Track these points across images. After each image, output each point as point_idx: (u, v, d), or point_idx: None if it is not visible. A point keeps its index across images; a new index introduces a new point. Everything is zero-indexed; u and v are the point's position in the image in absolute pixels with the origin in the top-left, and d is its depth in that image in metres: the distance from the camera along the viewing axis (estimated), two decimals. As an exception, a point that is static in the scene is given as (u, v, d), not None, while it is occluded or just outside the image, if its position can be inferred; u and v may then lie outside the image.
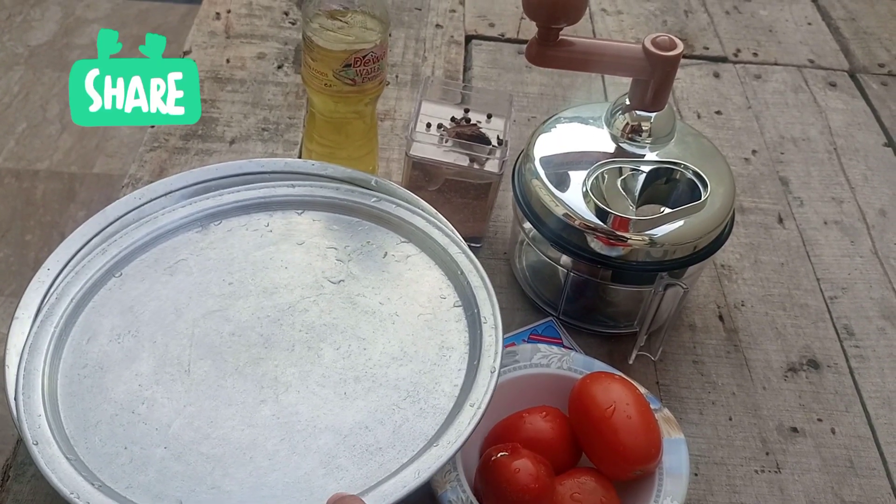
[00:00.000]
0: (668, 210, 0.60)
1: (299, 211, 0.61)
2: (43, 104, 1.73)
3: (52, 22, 1.94)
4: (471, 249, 0.60)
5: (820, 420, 0.62)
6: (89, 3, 2.01)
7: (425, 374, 0.52)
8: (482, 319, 0.54)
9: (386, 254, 0.59)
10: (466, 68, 0.91)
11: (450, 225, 0.61)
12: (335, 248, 0.59)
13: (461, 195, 0.69)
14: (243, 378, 0.52)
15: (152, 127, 0.80)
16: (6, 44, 1.87)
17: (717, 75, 0.94)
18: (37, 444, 0.47)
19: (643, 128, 0.62)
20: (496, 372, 0.50)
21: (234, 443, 0.49)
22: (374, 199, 0.61)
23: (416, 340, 0.54)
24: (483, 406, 0.49)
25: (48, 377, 0.51)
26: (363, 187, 0.63)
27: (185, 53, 0.88)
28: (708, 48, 0.97)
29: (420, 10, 0.97)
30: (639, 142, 0.62)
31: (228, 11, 0.94)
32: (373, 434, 0.49)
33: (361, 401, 0.51)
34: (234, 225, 0.60)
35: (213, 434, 0.49)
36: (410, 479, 0.46)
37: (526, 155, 0.64)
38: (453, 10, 0.98)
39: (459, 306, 0.56)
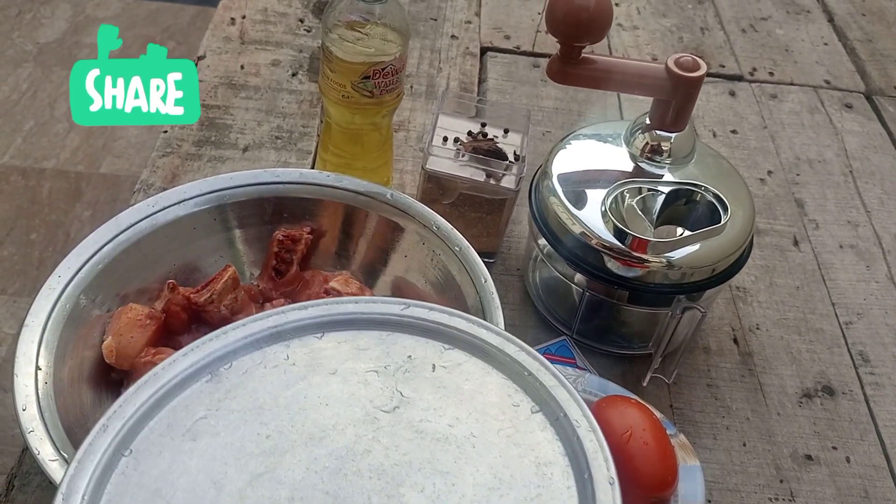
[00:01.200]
0: (687, 232, 0.59)
1: (318, 335, 0.52)
2: (51, 102, 1.72)
3: (62, 20, 1.94)
4: (484, 265, 0.60)
5: (835, 448, 0.62)
6: (99, 2, 2.01)
7: (533, 501, 0.44)
8: (574, 423, 0.46)
9: (434, 366, 0.50)
10: (481, 80, 0.91)
11: (499, 323, 0.56)
12: (375, 371, 0.50)
13: (475, 209, 0.68)
14: None
15: (165, 132, 0.79)
16: (15, 41, 1.87)
17: (732, 94, 0.93)
18: None
19: (663, 148, 0.61)
20: (616, 483, 0.43)
21: None
22: (402, 307, 0.53)
23: (507, 462, 0.45)
24: None
25: None
26: (391, 303, 0.53)
27: (200, 58, 0.88)
28: (724, 66, 0.97)
29: (435, 20, 0.97)
30: (658, 161, 0.62)
31: (244, 17, 0.93)
32: None
33: None
34: (247, 365, 0.50)
35: None
36: None
37: (544, 171, 0.63)
38: (469, 22, 0.98)
39: (538, 412, 0.47)
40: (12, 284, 1.38)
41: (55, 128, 1.67)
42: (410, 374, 0.50)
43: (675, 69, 0.58)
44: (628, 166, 0.62)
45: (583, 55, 0.58)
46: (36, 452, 0.47)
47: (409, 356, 0.51)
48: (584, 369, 0.61)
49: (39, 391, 0.50)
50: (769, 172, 0.84)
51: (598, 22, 0.55)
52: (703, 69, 0.58)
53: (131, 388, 0.48)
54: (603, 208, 0.58)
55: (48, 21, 1.93)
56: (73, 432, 0.49)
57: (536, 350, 0.63)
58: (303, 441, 0.47)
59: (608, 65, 0.59)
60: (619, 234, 0.57)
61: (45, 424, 0.48)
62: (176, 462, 0.46)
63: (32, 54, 1.84)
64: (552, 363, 0.61)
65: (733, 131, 0.88)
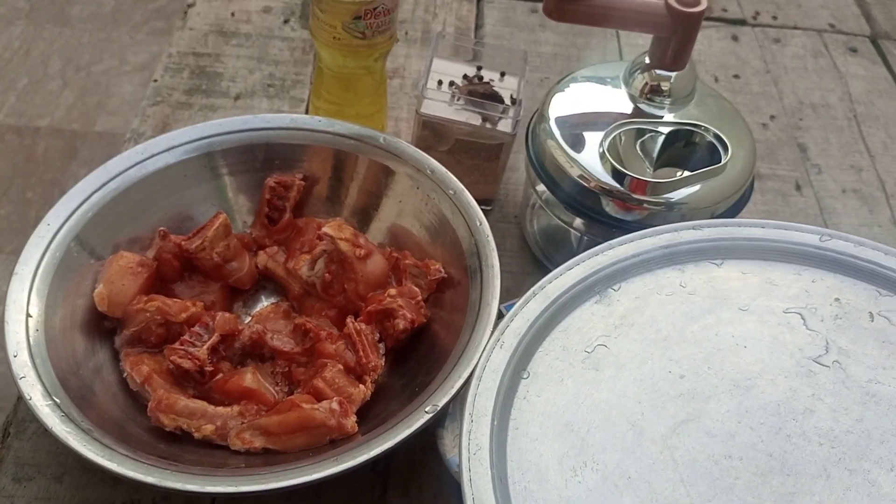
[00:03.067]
0: (686, 173, 0.58)
1: (718, 262, 0.46)
2: (44, 60, 1.70)
3: (54, -24, 1.90)
4: (482, 212, 0.59)
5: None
6: (91, -43, 1.97)
7: None
8: None
9: (872, 315, 0.43)
10: (478, 26, 0.89)
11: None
12: (799, 314, 0.43)
13: (472, 156, 0.67)
14: None
15: (155, 81, 0.77)
16: (6, -2, 1.83)
17: (735, 38, 0.91)
18: None
19: (662, 88, 0.60)
20: None
21: None
22: (820, 236, 0.45)
23: None
24: None
25: None
26: (807, 231, 0.47)
27: (190, 6, 0.86)
28: (726, 10, 0.95)
29: (431, -35, 0.94)
30: (657, 102, 0.60)
31: (234, -37, 0.91)
32: None
33: None
34: (639, 288, 0.45)
35: None
36: None
37: (541, 115, 0.62)
38: (465, -34, 0.95)
39: None
40: (9, 243, 1.37)
41: (49, 85, 1.65)
42: (843, 322, 0.42)
43: (675, 5, 0.56)
44: (627, 108, 0.61)
45: (580, -8, 0.56)
46: (28, 398, 0.46)
47: (837, 299, 0.44)
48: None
49: (31, 338, 0.49)
50: (771, 117, 0.82)
51: (595, -45, 0.53)
52: (704, 4, 0.56)
53: (520, 302, 0.44)
54: (601, 150, 0.57)
55: (39, -23, 1.90)
56: (65, 379, 0.49)
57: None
58: (726, 388, 0.40)
59: (605, 1, 0.57)
60: (618, 175, 0.56)
61: (37, 371, 0.48)
62: (582, 393, 0.41)
63: (24, 11, 1.81)
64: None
65: (735, 76, 0.86)
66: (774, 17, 0.95)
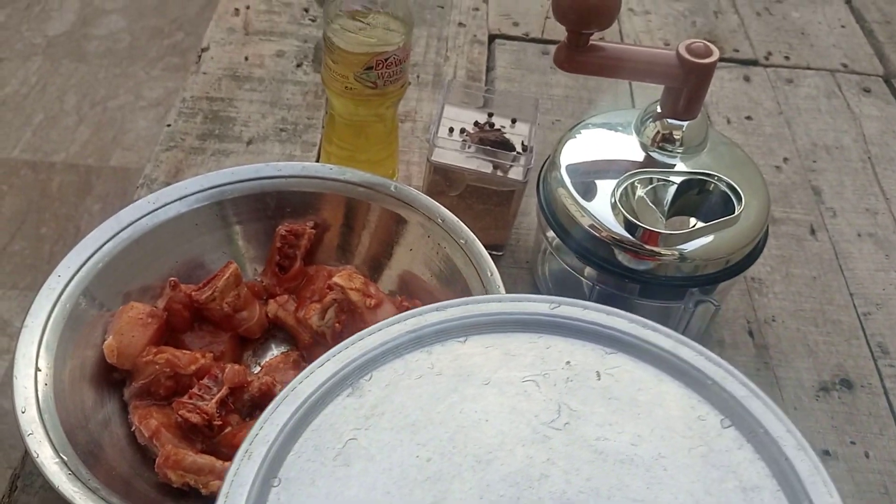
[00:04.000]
0: (699, 223, 0.57)
1: (461, 339, 0.47)
2: (60, 95, 1.72)
3: (70, 12, 1.94)
4: (492, 258, 0.58)
5: (853, 443, 0.60)
6: (108, -6, 2.00)
7: None
8: (777, 440, 0.41)
9: (598, 374, 0.45)
10: (489, 68, 0.89)
11: (657, 325, 0.48)
12: (533, 381, 0.45)
13: (483, 201, 0.67)
14: None
15: (168, 126, 0.78)
16: (24, 34, 1.86)
17: (747, 79, 0.91)
18: None
19: (675, 136, 0.60)
20: None
21: None
22: (552, 305, 0.47)
23: (707, 488, 0.40)
24: None
25: None
26: (539, 301, 0.48)
27: (203, 50, 0.87)
28: (738, 51, 0.95)
29: (442, 7, 0.95)
30: (670, 151, 0.60)
31: (248, 7, 0.92)
32: None
33: None
34: (389, 376, 0.45)
35: None
36: None
37: (552, 162, 0.62)
38: (476, 9, 0.96)
39: (730, 426, 0.42)
40: (23, 279, 1.38)
41: (65, 121, 1.67)
42: (574, 384, 0.45)
43: (687, 56, 0.56)
44: (639, 156, 0.61)
45: (591, 42, 0.56)
46: (35, 456, 0.46)
47: (568, 362, 0.46)
48: (595, 364, 0.60)
49: (39, 393, 0.49)
50: (785, 159, 0.82)
51: (606, 8, 0.54)
52: (716, 55, 0.56)
53: (270, 407, 0.43)
54: (613, 200, 0.57)
55: (56, 14, 1.93)
56: (73, 434, 0.49)
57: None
58: (469, 464, 0.42)
59: (617, 52, 0.57)
60: (630, 226, 0.56)
61: (45, 426, 0.47)
62: (333, 492, 0.41)
63: (41, 47, 1.83)
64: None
65: (748, 117, 0.86)
66: (787, 57, 0.95)
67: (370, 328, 0.47)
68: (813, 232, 0.75)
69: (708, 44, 0.56)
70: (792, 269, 0.71)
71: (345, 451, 0.42)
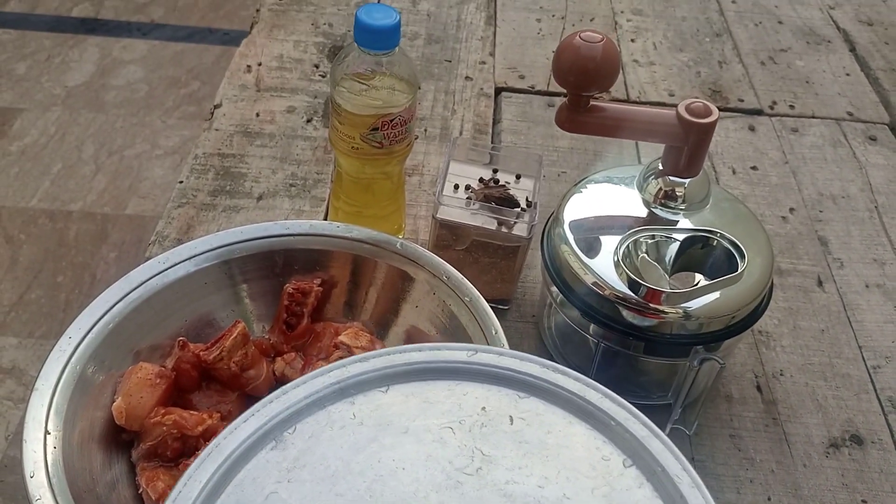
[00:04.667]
0: (703, 280, 0.58)
1: (384, 388, 0.49)
2: (78, 145, 1.76)
3: (90, 63, 1.98)
4: (497, 312, 0.59)
5: (864, 501, 0.59)
6: (126, 45, 2.05)
7: None
8: (674, 478, 0.43)
9: (512, 419, 0.47)
10: (496, 121, 0.90)
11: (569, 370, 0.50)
12: (450, 428, 0.47)
13: (489, 255, 0.67)
14: None
15: (181, 182, 0.80)
16: (44, 85, 1.91)
17: (752, 129, 0.92)
18: None
19: (677, 193, 0.60)
20: None
21: None
22: (469, 352, 0.50)
23: None
24: None
25: None
26: (457, 349, 0.50)
27: (216, 107, 0.88)
28: (743, 100, 0.95)
29: (450, 62, 0.97)
30: (672, 207, 0.60)
31: (259, 64, 0.94)
32: None
33: None
34: (312, 428, 0.47)
35: None
36: None
37: (556, 218, 0.62)
38: (483, 62, 0.98)
39: (631, 466, 0.45)
40: (39, 327, 1.39)
41: (82, 170, 1.70)
42: (488, 429, 0.47)
43: (687, 115, 0.57)
44: (642, 212, 0.61)
45: (592, 102, 0.57)
46: (43, 521, 0.46)
47: (483, 408, 0.48)
48: (601, 422, 0.60)
49: (48, 457, 0.49)
50: (791, 210, 0.82)
51: (605, 71, 0.55)
52: (715, 115, 0.57)
53: (194, 464, 0.44)
54: (615, 258, 0.57)
55: (76, 64, 1.98)
56: (81, 498, 0.49)
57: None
58: None
59: (618, 112, 0.58)
60: (633, 284, 0.56)
61: (53, 491, 0.48)
62: None
63: (61, 98, 1.88)
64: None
65: (753, 167, 0.87)
66: (792, 107, 0.95)
67: (295, 381, 0.48)
68: (820, 283, 0.75)
69: (707, 103, 0.57)
70: (799, 321, 0.71)
71: None
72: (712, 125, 0.57)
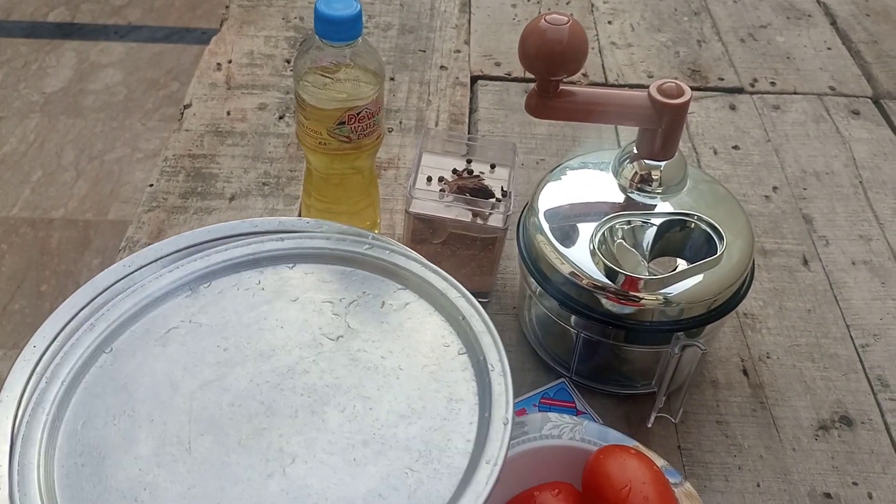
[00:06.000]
0: (682, 265, 0.56)
1: (290, 265, 0.59)
2: (58, 151, 1.73)
3: (67, 68, 1.96)
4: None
5: (855, 483, 0.58)
6: (103, 48, 2.02)
7: (436, 431, 0.50)
8: (489, 367, 0.51)
9: (384, 303, 0.56)
10: (472, 110, 0.89)
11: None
12: (331, 302, 0.57)
13: (467, 247, 0.66)
14: (247, 452, 0.49)
15: (150, 186, 0.78)
16: (22, 92, 1.88)
17: (733, 107, 0.90)
18: None
19: (653, 177, 0.59)
20: (509, 424, 0.48)
21: None
22: (366, 246, 0.59)
23: (422, 395, 0.51)
24: (500, 462, 0.47)
25: (44, 469, 0.48)
26: (356, 236, 0.60)
27: (186, 107, 0.87)
28: (723, 79, 0.94)
29: (424, 52, 0.95)
30: (649, 192, 0.59)
31: (229, 62, 0.92)
32: (387, 502, 0.47)
33: (372, 466, 0.48)
34: (224, 286, 0.58)
35: None
36: None
37: (530, 207, 0.61)
38: (458, 51, 0.96)
39: (464, 354, 0.53)
40: (23, 338, 1.38)
41: (62, 177, 1.68)
42: (361, 308, 0.56)
43: (659, 97, 0.55)
44: (619, 198, 0.60)
45: (562, 87, 0.56)
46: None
47: (364, 291, 0.57)
48: (584, 413, 0.58)
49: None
50: (774, 188, 0.81)
51: (572, 54, 0.53)
52: (688, 95, 0.55)
53: (120, 296, 0.56)
54: (591, 246, 0.56)
55: (53, 70, 1.95)
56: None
57: (535, 394, 0.61)
58: (253, 357, 0.54)
59: (589, 96, 0.57)
60: (610, 272, 0.54)
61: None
62: (146, 363, 0.53)
63: (39, 104, 1.85)
64: (550, 408, 0.58)
65: (735, 147, 0.85)
66: (773, 83, 0.94)
67: (216, 248, 0.59)
68: (806, 262, 0.74)
69: (680, 83, 0.56)
70: (785, 302, 0.70)
71: (167, 335, 0.55)
72: (685, 105, 0.55)
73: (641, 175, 0.59)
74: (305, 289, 0.58)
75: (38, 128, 1.79)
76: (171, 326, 0.55)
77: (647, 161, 0.59)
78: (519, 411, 0.58)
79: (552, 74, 0.54)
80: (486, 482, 0.46)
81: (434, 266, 0.57)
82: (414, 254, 0.59)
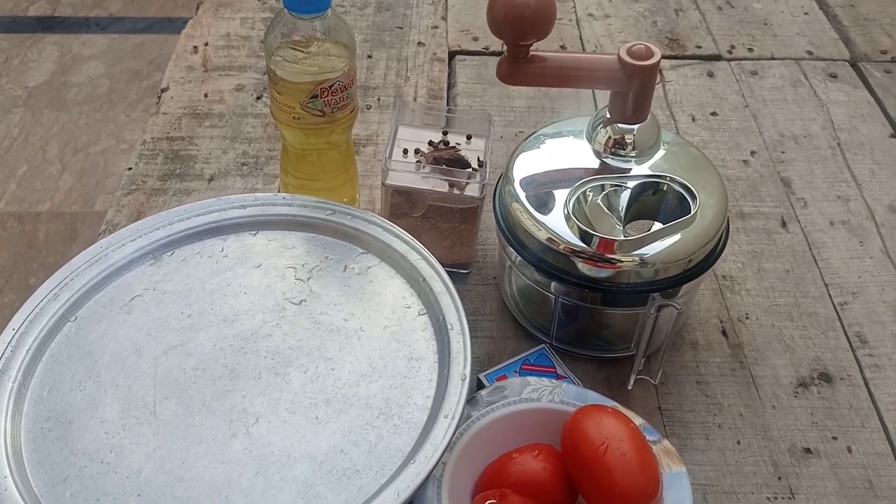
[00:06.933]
0: (656, 226, 0.56)
1: (253, 232, 0.60)
2: (42, 145, 1.73)
3: (49, 62, 1.95)
4: (457, 276, 0.58)
5: (835, 438, 0.59)
6: (85, 41, 2.01)
7: (396, 389, 0.52)
8: (448, 326, 0.53)
9: (346, 267, 0.58)
10: (451, 85, 0.89)
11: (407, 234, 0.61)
12: (293, 268, 0.58)
13: (447, 220, 0.66)
14: (211, 413, 0.51)
15: (129, 170, 0.78)
16: (4, 87, 1.88)
17: (711, 75, 0.90)
18: None
19: (626, 140, 0.59)
20: (467, 379, 0.50)
21: (207, 482, 0.48)
22: (328, 212, 0.60)
23: (383, 355, 0.54)
24: (457, 416, 0.49)
25: (10, 435, 0.49)
26: (319, 208, 0.62)
27: (163, 91, 0.86)
28: (700, 47, 0.94)
29: (401, 28, 0.95)
30: (623, 155, 0.59)
31: (206, 44, 0.92)
32: (349, 457, 0.49)
33: (334, 423, 0.50)
34: (187, 254, 0.59)
35: (185, 476, 0.48)
36: (390, 502, 0.45)
37: (505, 176, 0.61)
38: (435, 27, 0.96)
39: (424, 314, 0.56)
40: (14, 331, 1.38)
41: (48, 170, 1.67)
42: (323, 273, 0.58)
43: (628, 59, 0.55)
44: (593, 163, 0.60)
45: (532, 53, 0.56)
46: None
47: (327, 256, 0.59)
48: (564, 378, 0.59)
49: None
50: (752, 153, 0.81)
51: (540, 18, 0.53)
52: (657, 56, 0.55)
53: (83, 265, 0.57)
54: (566, 211, 0.56)
55: (35, 64, 1.94)
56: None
57: (515, 361, 0.61)
58: (217, 322, 0.55)
59: (559, 61, 0.57)
60: (585, 235, 0.55)
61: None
62: (110, 330, 0.55)
63: (22, 99, 1.85)
64: (530, 374, 0.59)
65: (713, 113, 0.85)
66: (750, 49, 0.94)
67: (180, 216, 0.60)
68: (784, 224, 0.74)
69: (649, 45, 0.56)
70: (764, 263, 0.70)
71: (131, 303, 0.56)
72: (655, 67, 0.56)
73: (615, 139, 0.59)
74: (268, 255, 0.59)
75: (22, 122, 1.78)
76: (135, 294, 0.57)
77: (620, 125, 0.59)
78: (499, 377, 0.58)
79: (521, 39, 0.54)
80: (443, 435, 0.47)
81: (396, 229, 0.59)
82: (376, 218, 0.60)
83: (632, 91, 0.56)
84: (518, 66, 0.56)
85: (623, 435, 0.48)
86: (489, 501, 0.46)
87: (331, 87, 0.60)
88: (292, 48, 0.60)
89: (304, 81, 0.60)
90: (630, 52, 0.55)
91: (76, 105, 1.83)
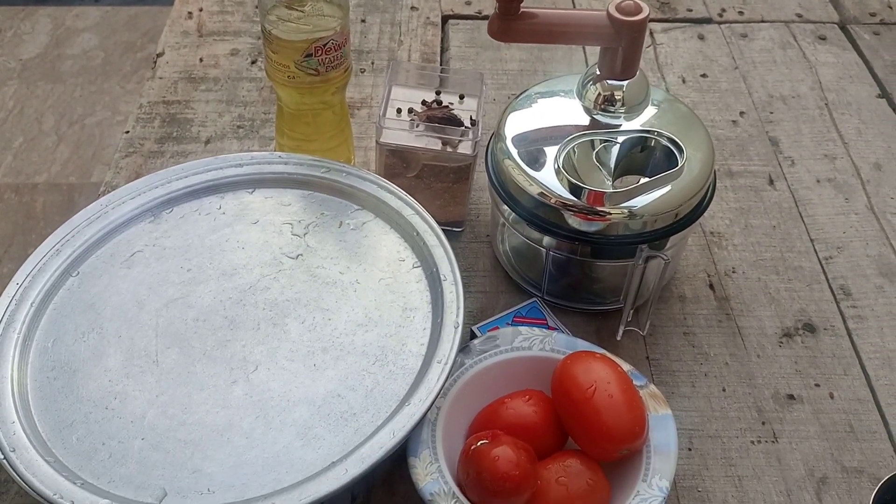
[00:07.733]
0: (644, 180, 0.58)
1: (250, 190, 0.62)
2: (38, 117, 1.73)
3: (43, 34, 1.94)
4: (453, 234, 0.60)
5: (817, 385, 0.60)
6: (78, 13, 2.00)
7: (391, 337, 0.53)
8: (442, 277, 0.55)
9: (341, 223, 0.60)
10: (444, 49, 0.89)
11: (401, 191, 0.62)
12: (290, 224, 0.60)
13: (441, 179, 0.67)
14: (212, 362, 0.53)
15: (126, 133, 0.79)
16: (-2, 60, 1.87)
17: (701, 37, 0.91)
18: (14, 450, 0.47)
19: (616, 97, 0.60)
20: (459, 327, 0.52)
21: (209, 426, 0.50)
22: (323, 169, 0.62)
23: (379, 305, 0.55)
24: (450, 361, 0.50)
25: (17, 383, 0.51)
26: (315, 167, 0.63)
27: (159, 56, 0.87)
28: (692, 10, 0.95)
29: (394, -7, 0.95)
30: (612, 112, 0.60)
31: (200, 10, 0.93)
32: (346, 401, 0.50)
33: (331, 370, 0.52)
34: (185, 211, 0.60)
35: (188, 420, 0.50)
36: (387, 440, 0.47)
37: (497, 134, 0.62)
38: (428, -9, 0.96)
39: (418, 267, 0.57)
40: (14, 300, 1.39)
41: (44, 142, 1.68)
42: (319, 228, 0.59)
43: (617, 14, 0.56)
44: (584, 120, 0.61)
45: (523, 9, 0.57)
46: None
47: (323, 212, 0.60)
48: (556, 329, 0.60)
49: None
50: (741, 113, 0.82)
51: (530, -26, 0.54)
52: (646, 12, 0.56)
53: (84, 222, 0.59)
54: (556, 165, 0.57)
55: (29, 36, 1.94)
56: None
57: (508, 314, 0.62)
58: (216, 276, 0.57)
59: (549, 17, 0.58)
60: (575, 189, 0.56)
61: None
62: (112, 284, 0.56)
63: (16, 71, 1.84)
64: (521, 325, 0.60)
65: (703, 75, 0.86)
66: (741, 13, 0.95)
67: (177, 175, 0.62)
68: (771, 182, 0.75)
69: (638, 1, 0.57)
70: (751, 220, 0.72)
71: (132, 258, 0.58)
72: (644, 22, 0.57)
73: (605, 96, 0.60)
74: (265, 212, 0.60)
75: (17, 95, 1.78)
76: (136, 250, 0.58)
77: (609, 81, 0.60)
78: (492, 329, 0.60)
79: (511, -5, 0.55)
80: (437, 379, 0.49)
81: (390, 185, 0.60)
82: (371, 175, 0.61)
83: (621, 47, 0.57)
84: (509, 23, 0.57)
85: (611, 378, 0.50)
86: (480, 442, 0.48)
87: (325, 45, 0.61)
88: (287, 7, 0.60)
89: (298, 40, 0.60)
90: (619, 8, 0.56)
91: (71, 77, 1.83)
